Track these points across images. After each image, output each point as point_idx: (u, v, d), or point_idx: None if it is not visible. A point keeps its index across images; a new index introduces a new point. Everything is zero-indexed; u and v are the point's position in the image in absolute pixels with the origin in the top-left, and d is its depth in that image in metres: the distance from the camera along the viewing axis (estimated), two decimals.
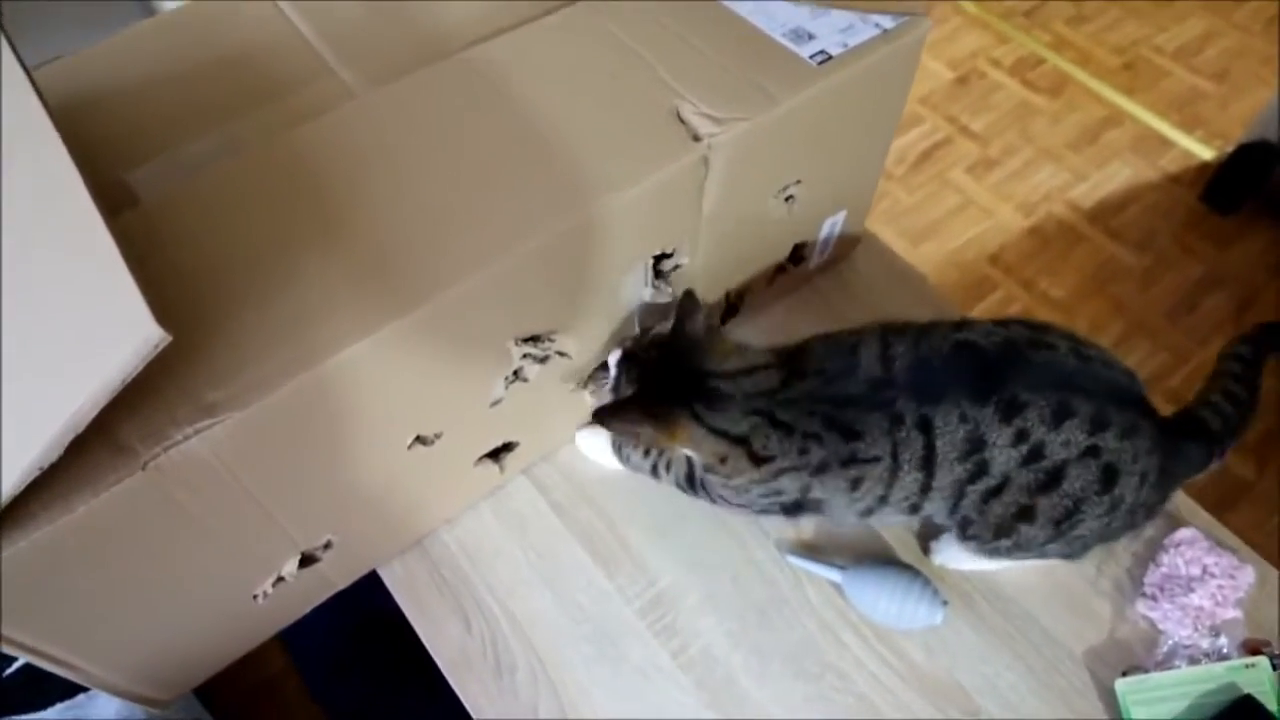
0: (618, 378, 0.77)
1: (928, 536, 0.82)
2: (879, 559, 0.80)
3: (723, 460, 0.70)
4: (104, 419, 0.53)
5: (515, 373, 0.73)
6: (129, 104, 0.76)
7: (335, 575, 0.77)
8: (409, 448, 0.69)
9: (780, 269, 0.93)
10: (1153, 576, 0.81)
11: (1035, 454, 0.67)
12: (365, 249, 0.62)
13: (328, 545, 0.72)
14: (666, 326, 0.74)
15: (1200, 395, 0.80)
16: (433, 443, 0.71)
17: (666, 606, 0.80)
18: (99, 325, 0.49)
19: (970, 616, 0.80)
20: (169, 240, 0.63)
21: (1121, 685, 0.75)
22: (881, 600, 0.77)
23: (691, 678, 0.77)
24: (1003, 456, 0.67)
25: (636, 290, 0.77)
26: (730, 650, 0.78)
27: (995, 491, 0.69)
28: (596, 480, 0.87)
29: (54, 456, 0.48)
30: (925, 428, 0.67)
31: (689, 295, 0.73)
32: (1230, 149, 1.95)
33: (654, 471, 0.80)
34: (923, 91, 2.16)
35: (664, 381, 0.71)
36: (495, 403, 0.73)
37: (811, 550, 0.82)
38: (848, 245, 1.01)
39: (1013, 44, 2.27)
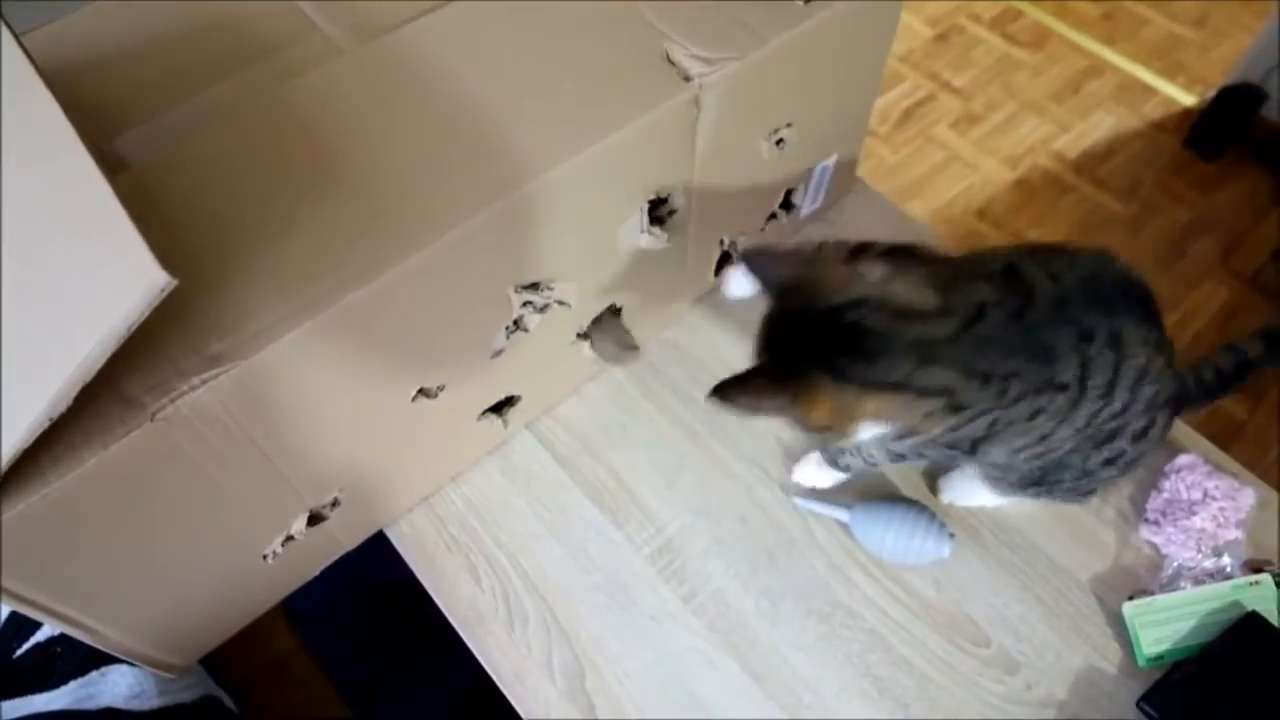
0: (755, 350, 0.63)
1: (935, 475, 0.82)
2: (884, 497, 0.81)
3: (928, 415, 0.59)
4: (110, 372, 0.52)
5: (516, 322, 0.72)
6: (112, 71, 0.75)
7: (343, 535, 0.77)
8: (413, 400, 0.69)
9: (772, 216, 0.93)
10: (1155, 502, 0.82)
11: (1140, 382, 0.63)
12: (361, 199, 0.62)
13: (335, 503, 0.72)
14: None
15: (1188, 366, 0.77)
16: (436, 395, 0.71)
17: (675, 553, 0.81)
18: (103, 273, 0.49)
19: (977, 549, 0.81)
20: (161, 199, 0.62)
21: (1129, 609, 0.76)
22: (889, 537, 0.77)
23: (703, 621, 0.77)
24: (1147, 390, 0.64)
25: (633, 237, 0.77)
26: (741, 593, 0.79)
27: (1115, 433, 0.66)
28: (599, 432, 0.87)
29: (63, 407, 0.48)
30: (1117, 344, 0.60)
31: (749, 256, 0.64)
32: (1212, 94, 1.96)
33: (869, 463, 0.75)
34: (903, 49, 2.16)
35: (790, 338, 0.59)
36: (497, 353, 0.73)
37: (817, 491, 0.83)
38: (839, 191, 1.01)
39: None
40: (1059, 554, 0.80)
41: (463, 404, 0.76)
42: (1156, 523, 0.81)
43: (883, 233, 1.01)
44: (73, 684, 0.92)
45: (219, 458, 0.58)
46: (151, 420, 0.52)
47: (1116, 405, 0.63)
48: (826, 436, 0.65)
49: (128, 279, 0.47)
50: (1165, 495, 0.82)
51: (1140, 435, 0.68)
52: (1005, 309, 0.59)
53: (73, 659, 0.93)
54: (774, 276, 0.62)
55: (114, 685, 0.92)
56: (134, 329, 0.47)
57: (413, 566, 0.81)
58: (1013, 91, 2.08)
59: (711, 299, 0.95)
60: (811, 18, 0.73)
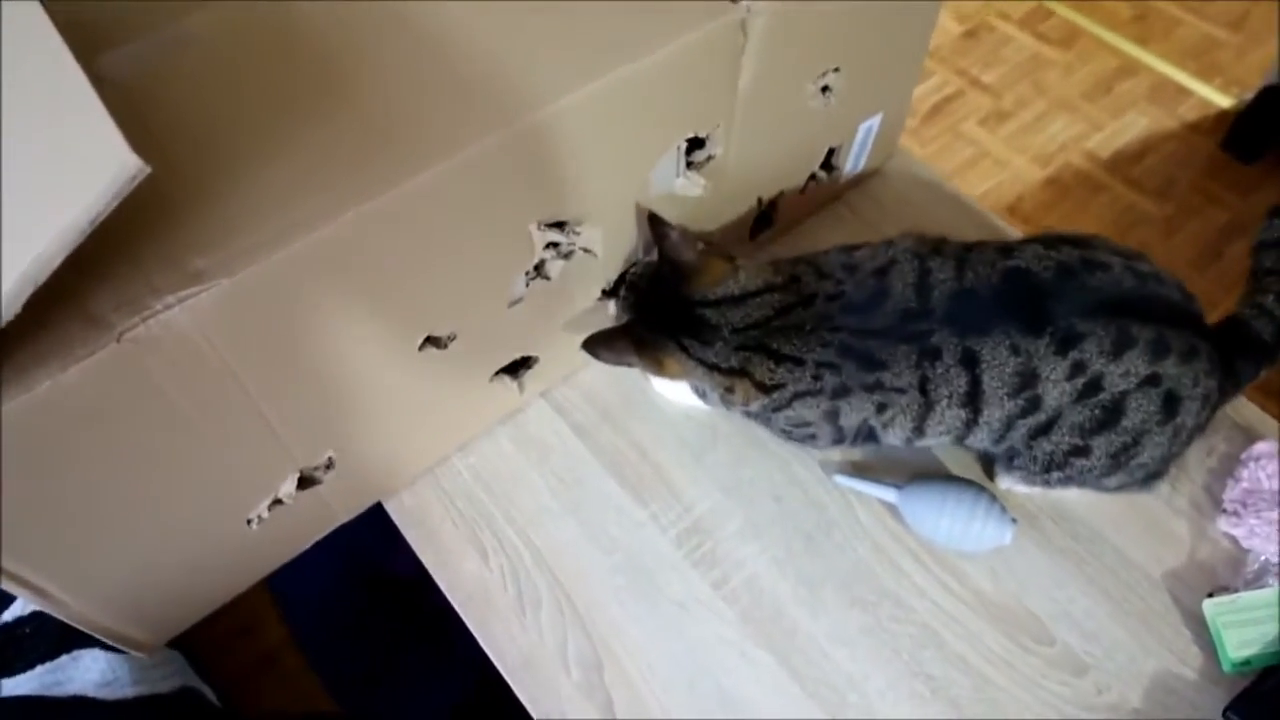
0: (620, 307, 0.73)
1: (992, 457, 0.75)
2: (936, 476, 0.73)
3: (729, 390, 0.67)
4: (74, 288, 0.46)
5: (537, 268, 0.65)
6: None
7: (337, 503, 0.69)
8: (420, 349, 0.62)
9: (812, 177, 0.86)
10: (1233, 492, 0.74)
11: (1092, 387, 0.62)
12: (371, 114, 0.54)
13: (329, 465, 0.64)
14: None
15: (1246, 298, 0.74)
16: (446, 345, 0.63)
17: (705, 534, 0.73)
18: (64, 158, 0.42)
19: (1037, 538, 0.73)
20: (144, 112, 0.55)
21: (1210, 607, 0.68)
22: (944, 520, 0.69)
23: (736, 610, 0.70)
24: (1055, 391, 0.62)
25: (668, 180, 0.69)
26: (777, 579, 0.71)
27: (1045, 428, 0.64)
28: (621, 402, 0.80)
29: (10, 314, 0.40)
30: (970, 362, 0.62)
31: (654, 218, 0.68)
32: (1250, 96, 1.89)
33: (725, 403, 0.73)
34: (931, 45, 2.09)
35: (653, 311, 0.68)
36: (515, 303, 0.66)
37: (860, 469, 0.75)
38: (881, 156, 0.94)
39: None
40: (1127, 546, 0.73)
41: (475, 359, 0.68)
42: (1236, 514, 0.73)
43: (925, 202, 0.94)
44: (40, 668, 0.84)
45: (196, 394, 0.51)
46: (118, 341, 0.45)
47: (999, 412, 0.63)
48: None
49: (93, 165, 0.40)
50: (1244, 484, 0.74)
51: (1093, 428, 0.63)
52: (840, 302, 0.64)
53: (41, 641, 0.85)
54: (670, 247, 0.67)
55: (85, 671, 0.84)
56: (99, 221, 0.40)
57: (412, 543, 0.73)
58: (1043, 89, 2.02)
59: None
60: None
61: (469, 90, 0.56)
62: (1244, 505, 0.73)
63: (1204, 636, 0.68)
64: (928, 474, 0.74)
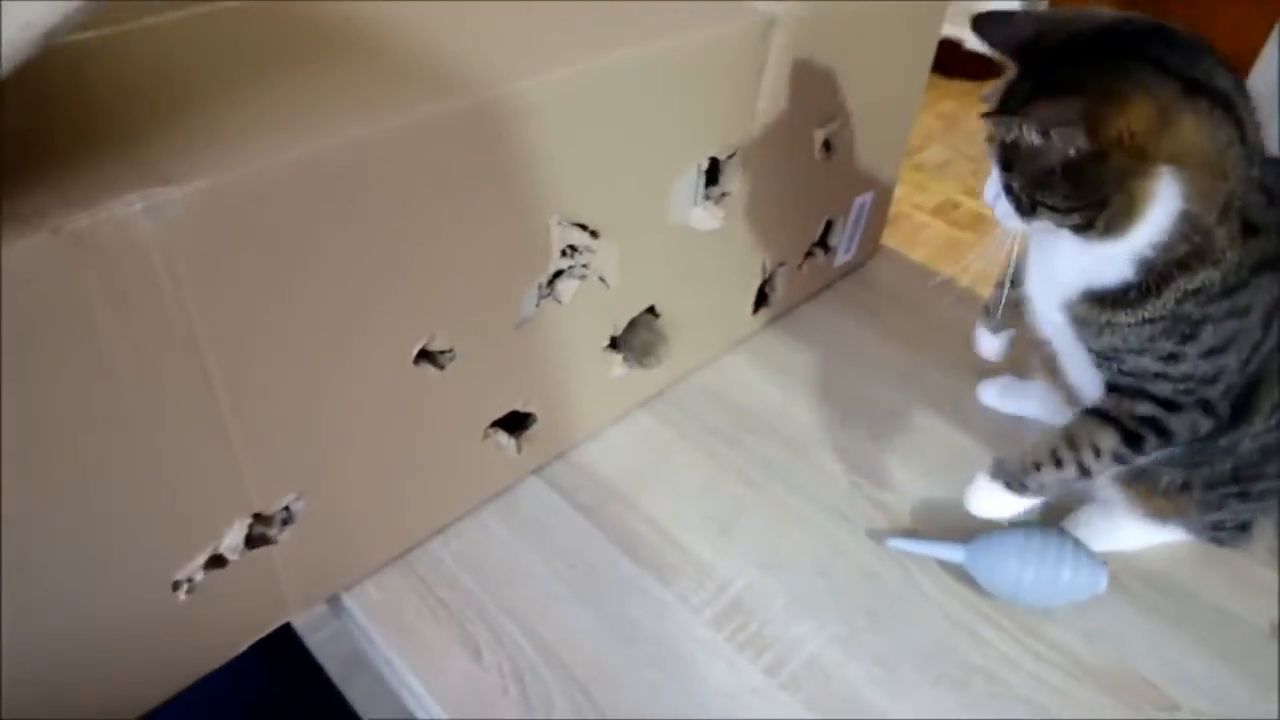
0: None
1: (1057, 514, 0.66)
2: (1000, 529, 0.63)
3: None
4: (9, 189, 0.36)
5: (550, 282, 0.57)
6: None
7: (289, 584, 0.54)
8: (415, 363, 0.51)
9: (809, 254, 0.82)
10: None
11: None
12: (377, 63, 0.48)
13: (287, 518, 0.51)
14: None
15: None
16: (444, 366, 0.53)
17: (747, 614, 0.60)
18: None
19: (1122, 596, 0.63)
20: (119, 60, 0.47)
21: None
22: (1027, 571, 0.59)
23: (799, 699, 0.56)
24: None
25: (686, 206, 0.64)
26: (843, 660, 0.58)
27: None
28: (629, 479, 0.69)
29: None
30: None
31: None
32: None
33: (1083, 469, 0.56)
34: None
35: (1070, 53, 0.46)
36: (522, 323, 0.57)
37: (909, 534, 0.65)
38: (870, 247, 0.92)
39: (930, 192, 2.37)
40: (1225, 600, 0.63)
41: (472, 393, 0.57)
42: None
43: (918, 291, 0.91)
44: None
45: (138, 345, 0.38)
46: (54, 233, 0.34)
47: None
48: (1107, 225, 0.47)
49: None
50: None
51: None
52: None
53: None
54: (1014, 34, 0.48)
55: None
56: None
57: (379, 645, 0.58)
58: (964, 269, 2.11)
59: (749, 345, 0.81)
60: None
61: (480, 53, 0.50)
62: None
63: None
64: (982, 529, 0.64)
